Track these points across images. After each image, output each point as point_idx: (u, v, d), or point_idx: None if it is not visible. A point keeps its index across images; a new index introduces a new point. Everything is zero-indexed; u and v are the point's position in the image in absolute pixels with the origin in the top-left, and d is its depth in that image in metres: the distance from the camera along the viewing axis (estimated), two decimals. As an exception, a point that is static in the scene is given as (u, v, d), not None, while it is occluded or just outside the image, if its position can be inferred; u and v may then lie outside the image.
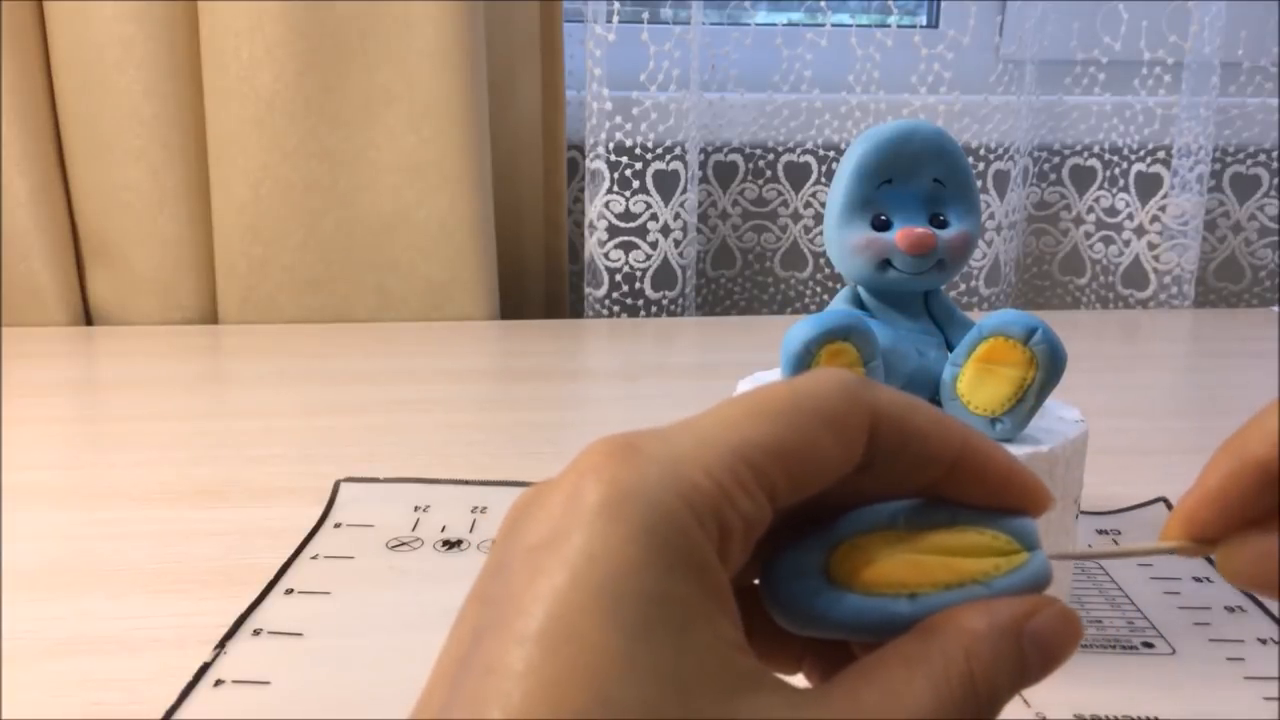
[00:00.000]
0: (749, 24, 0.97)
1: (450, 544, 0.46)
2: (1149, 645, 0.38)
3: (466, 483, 0.53)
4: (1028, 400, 0.36)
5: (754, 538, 0.18)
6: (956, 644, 0.18)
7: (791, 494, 0.19)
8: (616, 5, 0.86)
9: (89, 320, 0.89)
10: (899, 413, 0.20)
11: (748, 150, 0.98)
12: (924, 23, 1.01)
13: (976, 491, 0.20)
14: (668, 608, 0.16)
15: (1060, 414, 0.40)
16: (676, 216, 0.91)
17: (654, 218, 0.91)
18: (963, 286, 0.97)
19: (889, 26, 0.95)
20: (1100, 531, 0.47)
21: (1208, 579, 0.43)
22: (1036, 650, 0.19)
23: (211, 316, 0.89)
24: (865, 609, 0.19)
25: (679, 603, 0.16)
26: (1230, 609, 0.41)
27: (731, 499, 0.18)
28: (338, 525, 0.48)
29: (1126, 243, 0.98)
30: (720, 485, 0.18)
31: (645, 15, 0.89)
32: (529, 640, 0.16)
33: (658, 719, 0.16)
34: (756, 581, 0.21)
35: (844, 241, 0.39)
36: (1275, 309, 0.99)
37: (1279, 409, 0.21)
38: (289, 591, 0.41)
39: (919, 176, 0.39)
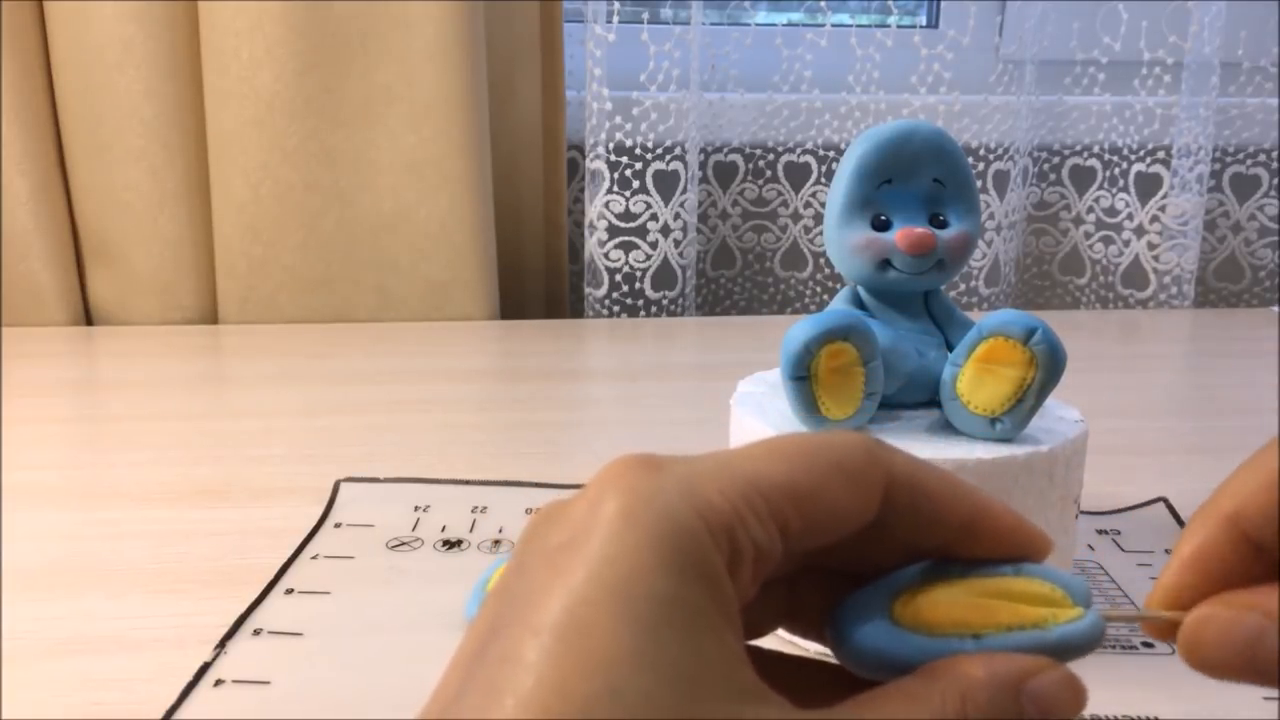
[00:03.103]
0: (749, 24, 0.97)
1: (450, 544, 0.46)
2: (1149, 645, 0.38)
3: (466, 483, 0.53)
4: (1028, 400, 0.36)
5: (764, 569, 0.19)
6: (955, 688, 0.19)
7: (805, 535, 0.19)
8: (616, 5, 0.86)
9: (89, 320, 0.89)
10: (913, 474, 0.20)
11: (748, 150, 0.98)
12: (924, 23, 1.01)
13: (985, 550, 0.21)
14: (678, 610, 0.17)
15: (1060, 414, 0.40)
16: (676, 216, 0.91)
17: (654, 218, 0.91)
18: (963, 286, 0.97)
19: (889, 26, 0.95)
20: (1100, 531, 0.47)
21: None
22: (1034, 708, 0.19)
23: (211, 316, 0.89)
24: (931, 649, 0.20)
25: (689, 607, 0.17)
26: (1230, 609, 0.41)
27: (744, 522, 0.18)
28: (338, 525, 0.48)
29: (1126, 243, 0.98)
30: (734, 507, 0.18)
31: (645, 15, 0.89)
32: (544, 631, 0.16)
33: (664, 715, 0.16)
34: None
35: (844, 241, 0.39)
36: (1275, 309, 0.99)
37: (1251, 467, 0.21)
38: (289, 591, 0.41)
39: (919, 176, 0.39)
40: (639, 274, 0.92)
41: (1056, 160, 1.01)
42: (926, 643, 0.20)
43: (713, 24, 0.96)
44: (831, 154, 0.98)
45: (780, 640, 0.24)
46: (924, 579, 0.21)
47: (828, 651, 0.21)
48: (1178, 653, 0.21)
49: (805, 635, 0.23)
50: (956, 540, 0.21)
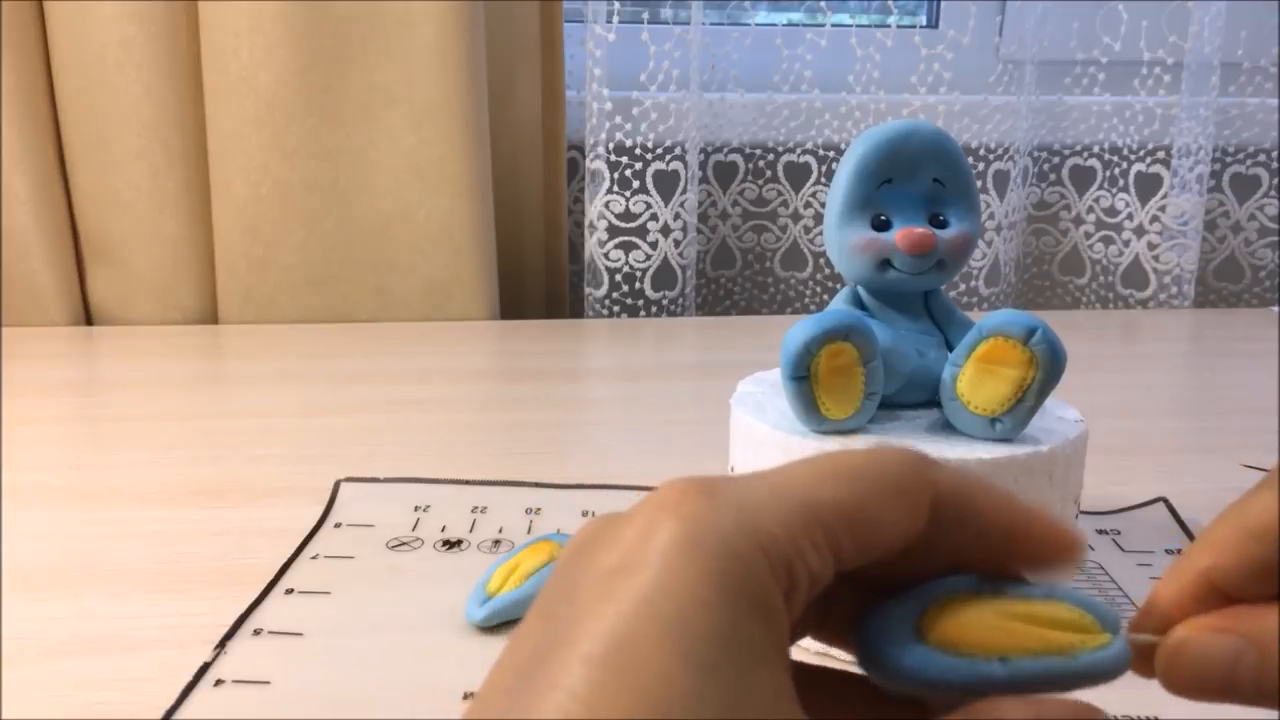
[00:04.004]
0: (749, 24, 0.97)
1: (450, 544, 0.46)
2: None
3: (466, 483, 0.53)
4: (1028, 400, 0.36)
5: (815, 594, 0.19)
6: None
7: (857, 556, 0.19)
8: (616, 5, 0.86)
9: (89, 320, 0.89)
10: (959, 487, 0.20)
11: (748, 150, 0.98)
12: (924, 23, 1.01)
13: (1025, 558, 0.21)
14: (736, 649, 0.17)
15: (1060, 414, 0.40)
16: (676, 216, 0.91)
17: (654, 218, 0.91)
18: (963, 286, 0.97)
19: (889, 26, 0.95)
20: (1100, 531, 0.47)
21: (1207, 579, 0.43)
22: None
23: (211, 316, 0.89)
24: (958, 668, 0.20)
25: (747, 646, 0.17)
26: (1230, 609, 0.41)
27: (802, 553, 0.18)
28: (338, 525, 0.48)
29: (1126, 243, 0.98)
30: (793, 538, 0.18)
31: (645, 15, 0.89)
32: (595, 662, 0.16)
33: None
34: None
35: (844, 241, 0.39)
36: (1275, 309, 0.99)
37: (1226, 519, 0.21)
38: (289, 591, 0.41)
39: (919, 176, 0.39)
40: (639, 274, 0.92)
41: (1056, 160, 1.01)
42: (953, 663, 0.20)
43: (713, 24, 0.96)
44: (831, 154, 0.98)
45: (803, 650, 0.24)
46: (952, 596, 0.21)
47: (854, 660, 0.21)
48: (1157, 676, 0.21)
49: (833, 644, 0.22)
50: (999, 551, 0.21)
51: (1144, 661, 0.21)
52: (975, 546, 0.21)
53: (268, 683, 0.35)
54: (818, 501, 0.19)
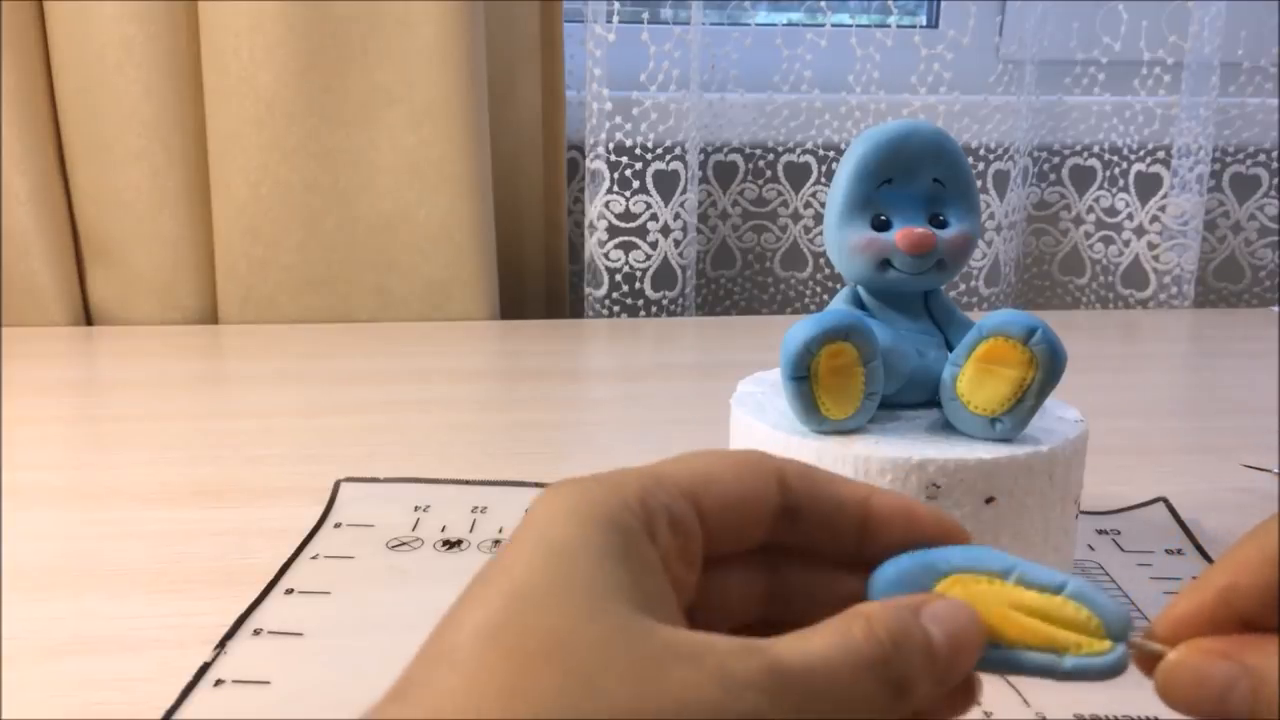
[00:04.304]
0: (749, 24, 0.97)
1: (450, 544, 0.46)
2: (1149, 645, 0.38)
3: (466, 483, 0.53)
4: (1027, 400, 0.36)
5: (690, 540, 0.21)
6: (861, 617, 0.20)
7: (720, 512, 0.22)
8: (616, 5, 0.86)
9: (89, 320, 0.89)
10: (802, 468, 0.23)
11: (748, 150, 0.98)
12: (924, 23, 1.01)
13: (899, 531, 0.23)
14: (588, 549, 0.19)
15: (1060, 414, 0.40)
16: (676, 216, 0.91)
17: (654, 218, 0.91)
18: (963, 286, 0.97)
19: (889, 26, 0.95)
20: (1100, 531, 0.47)
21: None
22: (936, 625, 0.20)
23: (211, 316, 0.89)
24: None
25: (596, 546, 0.19)
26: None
27: (653, 494, 0.21)
28: (338, 525, 0.48)
29: (1126, 243, 0.98)
30: (642, 484, 0.21)
31: (645, 15, 0.89)
32: (471, 589, 0.19)
33: (566, 619, 0.18)
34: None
35: (844, 241, 0.39)
36: (1275, 309, 0.99)
37: (1253, 539, 0.22)
38: (289, 591, 0.41)
39: (919, 176, 0.39)
40: (639, 274, 0.92)
41: (1056, 160, 1.01)
42: None
43: (713, 24, 0.96)
44: (831, 154, 0.98)
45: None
46: (973, 567, 0.22)
47: None
48: (1156, 689, 0.22)
49: (784, 617, 0.23)
50: (868, 527, 0.23)
51: (1151, 665, 0.22)
52: (839, 518, 0.23)
53: (268, 683, 0.35)
54: (664, 469, 0.22)
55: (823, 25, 0.95)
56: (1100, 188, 0.99)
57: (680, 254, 0.92)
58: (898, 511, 0.23)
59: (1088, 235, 1.01)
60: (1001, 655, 0.21)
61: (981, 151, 0.96)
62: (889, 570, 0.22)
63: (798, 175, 0.98)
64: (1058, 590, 0.21)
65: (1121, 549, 0.46)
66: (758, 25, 0.97)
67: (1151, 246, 0.97)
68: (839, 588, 0.23)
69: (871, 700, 0.19)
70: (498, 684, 0.17)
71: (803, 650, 0.19)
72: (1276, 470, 0.53)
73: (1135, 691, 0.37)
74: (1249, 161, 1.01)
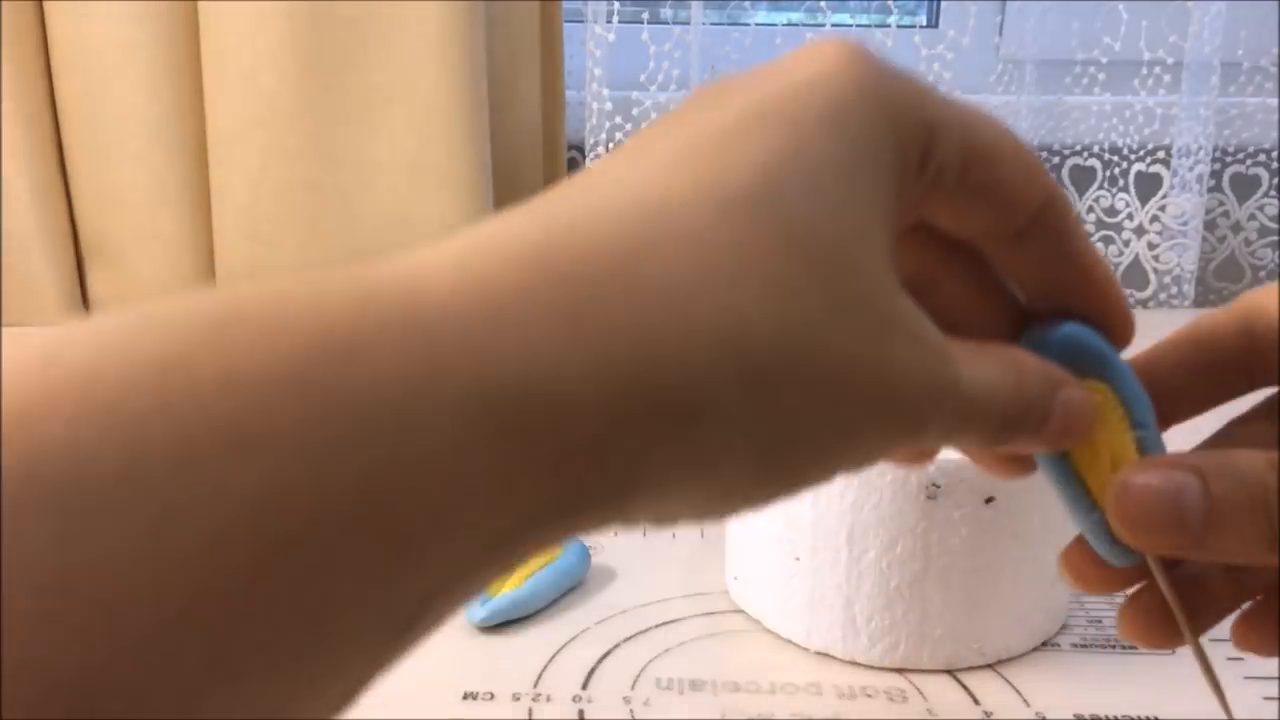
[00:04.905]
0: (749, 24, 0.97)
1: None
2: (1149, 645, 0.38)
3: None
4: (1028, 400, 0.36)
5: (934, 191, 0.21)
6: (1020, 364, 0.21)
7: (982, 177, 0.21)
8: (616, 5, 0.86)
9: (89, 320, 0.89)
10: (1069, 211, 0.24)
11: (748, 150, 0.98)
12: (924, 23, 1.01)
13: (1058, 273, 0.24)
14: (847, 145, 0.18)
15: (1060, 414, 0.40)
16: (676, 216, 0.91)
17: (654, 218, 0.91)
18: (963, 286, 0.97)
19: (889, 26, 0.95)
20: (1100, 531, 0.47)
21: (1208, 579, 0.43)
22: (1063, 408, 0.21)
23: (211, 316, 0.88)
24: (1075, 499, 0.24)
25: (865, 142, 0.18)
26: (1230, 609, 0.41)
27: (939, 122, 0.20)
28: (338, 525, 0.47)
29: (1126, 243, 0.98)
30: (938, 105, 0.20)
31: (645, 15, 0.90)
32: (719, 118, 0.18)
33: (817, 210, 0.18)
34: None
35: (844, 241, 0.39)
36: (1275, 309, 0.99)
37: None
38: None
39: (919, 176, 0.39)
40: (639, 274, 0.92)
41: (1056, 160, 1.01)
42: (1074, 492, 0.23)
43: (713, 24, 0.96)
44: (831, 154, 0.97)
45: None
46: (1122, 397, 0.24)
47: None
48: (1110, 522, 0.22)
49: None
50: (1027, 237, 0.23)
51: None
52: (993, 211, 0.22)
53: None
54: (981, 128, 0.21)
55: (823, 25, 0.95)
56: (1100, 187, 0.99)
57: (680, 254, 0.92)
58: (1065, 258, 0.24)
59: (1087, 235, 1.01)
60: (1062, 469, 0.23)
61: (981, 151, 0.95)
62: (1058, 336, 0.23)
63: (798, 175, 0.98)
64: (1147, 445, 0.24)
65: (1121, 549, 0.46)
66: (758, 25, 0.97)
67: (1151, 246, 0.97)
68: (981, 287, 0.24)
69: (984, 435, 0.21)
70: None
71: (983, 380, 0.20)
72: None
73: (1136, 691, 0.37)
74: (1249, 161, 1.01)
